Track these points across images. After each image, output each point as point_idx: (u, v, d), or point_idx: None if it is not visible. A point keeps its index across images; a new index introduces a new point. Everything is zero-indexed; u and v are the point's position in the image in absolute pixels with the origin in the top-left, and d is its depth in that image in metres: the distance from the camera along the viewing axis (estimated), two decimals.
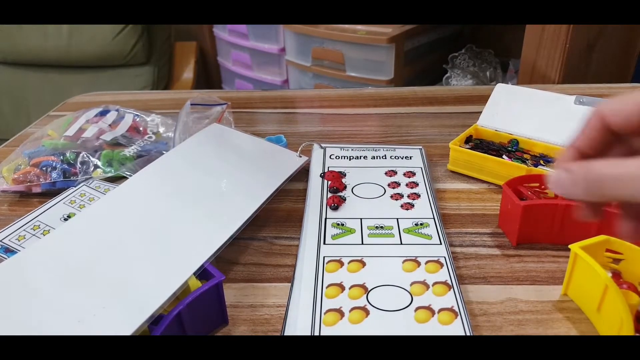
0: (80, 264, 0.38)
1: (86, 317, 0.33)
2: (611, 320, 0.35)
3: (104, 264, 0.38)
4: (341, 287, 0.39)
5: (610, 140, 0.26)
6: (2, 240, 0.45)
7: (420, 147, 0.60)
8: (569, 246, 0.38)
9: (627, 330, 0.32)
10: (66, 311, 0.34)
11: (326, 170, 0.55)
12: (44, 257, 0.38)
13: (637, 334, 0.34)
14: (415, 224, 0.46)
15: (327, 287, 0.39)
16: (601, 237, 0.38)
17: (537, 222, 0.44)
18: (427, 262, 0.41)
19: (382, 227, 0.46)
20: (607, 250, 0.39)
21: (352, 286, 0.39)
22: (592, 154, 0.27)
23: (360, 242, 0.44)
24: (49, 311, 0.34)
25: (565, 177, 0.25)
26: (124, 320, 0.33)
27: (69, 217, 0.48)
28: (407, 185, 0.52)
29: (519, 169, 0.51)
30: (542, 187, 0.48)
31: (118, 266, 0.38)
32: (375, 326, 0.35)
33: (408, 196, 0.50)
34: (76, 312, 0.34)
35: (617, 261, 0.39)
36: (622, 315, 0.33)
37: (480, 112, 0.60)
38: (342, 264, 0.41)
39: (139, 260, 0.38)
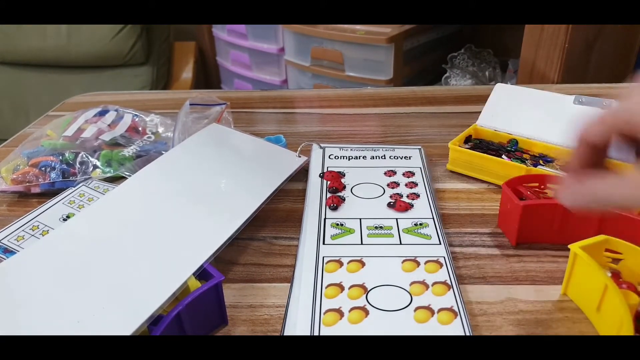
0: (79, 264, 0.37)
1: (85, 318, 0.33)
2: (611, 320, 0.35)
3: (103, 265, 0.38)
4: (341, 287, 0.39)
5: (597, 154, 0.31)
6: (1, 241, 0.45)
7: (420, 147, 0.60)
8: (569, 246, 0.38)
9: (627, 330, 0.32)
10: (65, 312, 0.34)
11: (325, 170, 0.55)
12: (43, 257, 0.38)
13: (637, 334, 0.34)
14: (415, 224, 0.46)
15: (326, 287, 0.39)
16: (601, 237, 0.38)
17: (537, 222, 0.44)
18: (426, 262, 0.41)
19: (381, 227, 0.46)
20: (607, 250, 0.39)
21: (351, 286, 0.39)
22: (586, 168, 0.31)
23: (360, 242, 0.44)
24: (48, 311, 0.34)
25: (575, 196, 0.31)
26: (123, 320, 0.33)
27: (68, 217, 0.48)
28: (406, 185, 0.52)
29: (518, 169, 0.51)
30: (542, 187, 0.48)
31: (117, 266, 0.37)
32: (374, 326, 0.35)
33: (407, 196, 0.50)
34: (75, 313, 0.33)
35: (616, 261, 0.39)
36: (622, 315, 0.33)
37: (480, 112, 0.60)
38: (341, 264, 0.41)
39: (138, 260, 0.38)
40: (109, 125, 0.65)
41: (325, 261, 0.41)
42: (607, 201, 0.30)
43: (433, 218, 0.47)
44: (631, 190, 0.28)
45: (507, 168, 0.52)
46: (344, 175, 0.54)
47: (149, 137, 0.64)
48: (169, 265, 0.38)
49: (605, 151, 0.31)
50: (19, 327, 0.33)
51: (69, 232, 0.41)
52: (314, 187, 0.52)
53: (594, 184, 0.30)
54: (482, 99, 0.62)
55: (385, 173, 0.55)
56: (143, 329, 0.33)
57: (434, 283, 0.39)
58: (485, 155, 0.54)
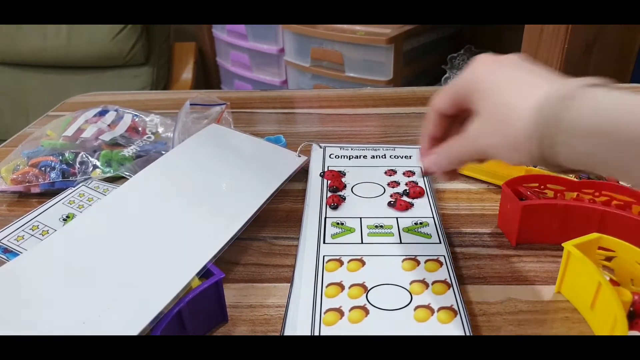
0: (83, 265, 0.37)
1: (91, 319, 0.33)
2: (605, 318, 0.35)
3: (108, 265, 0.38)
4: (341, 286, 0.39)
5: (449, 122, 0.37)
6: (1, 241, 0.45)
7: (420, 146, 0.60)
8: (562, 244, 0.38)
9: (621, 326, 0.32)
10: (71, 313, 0.34)
11: (326, 169, 0.55)
12: (48, 258, 0.38)
13: (631, 331, 0.34)
14: (415, 223, 0.46)
15: (326, 287, 0.39)
16: (593, 235, 0.38)
17: (537, 222, 0.44)
18: (426, 261, 0.41)
19: (381, 226, 0.46)
20: (600, 248, 0.39)
21: (351, 285, 0.39)
22: (442, 136, 0.37)
23: (360, 241, 0.44)
24: (54, 313, 0.34)
25: (435, 157, 0.37)
26: (129, 321, 0.33)
27: (67, 217, 0.48)
28: (406, 184, 0.52)
29: (518, 169, 0.51)
30: (542, 187, 0.48)
31: (121, 267, 0.37)
32: (374, 325, 0.35)
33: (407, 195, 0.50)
34: (81, 314, 0.33)
35: (609, 259, 0.39)
36: (615, 312, 0.33)
37: None
38: (341, 263, 0.41)
39: (142, 261, 0.38)
40: (109, 125, 0.65)
41: (325, 260, 0.41)
42: (458, 158, 0.35)
43: (433, 217, 0.47)
44: (465, 141, 0.33)
45: (507, 168, 0.52)
46: (345, 175, 0.54)
47: (149, 137, 0.64)
48: (172, 266, 0.38)
49: (455, 118, 0.36)
50: (25, 328, 0.33)
51: (72, 233, 0.41)
52: (315, 186, 0.52)
53: (447, 146, 0.35)
54: None
55: (385, 172, 0.55)
56: (148, 329, 0.33)
57: (434, 282, 0.39)
58: None
